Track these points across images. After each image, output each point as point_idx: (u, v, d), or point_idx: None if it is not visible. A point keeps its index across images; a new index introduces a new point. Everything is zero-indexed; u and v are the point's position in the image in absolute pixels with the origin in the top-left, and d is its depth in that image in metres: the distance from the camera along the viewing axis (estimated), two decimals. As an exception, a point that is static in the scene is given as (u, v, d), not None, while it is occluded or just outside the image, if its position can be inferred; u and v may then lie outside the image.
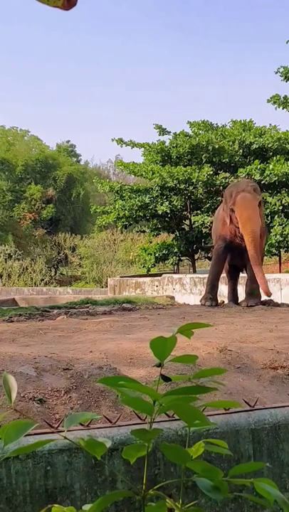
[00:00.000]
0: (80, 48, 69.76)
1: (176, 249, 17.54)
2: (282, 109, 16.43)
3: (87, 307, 6.87)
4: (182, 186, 16.51)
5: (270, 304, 7.35)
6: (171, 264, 19.19)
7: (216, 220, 7.97)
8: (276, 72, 15.91)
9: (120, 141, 18.20)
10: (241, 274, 8.56)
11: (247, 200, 7.07)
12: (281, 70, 15.83)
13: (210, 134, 17.57)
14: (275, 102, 16.41)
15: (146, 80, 71.41)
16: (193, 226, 17.69)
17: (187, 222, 18.19)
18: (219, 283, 7.80)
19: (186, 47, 71.29)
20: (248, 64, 76.33)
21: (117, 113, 70.01)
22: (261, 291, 7.14)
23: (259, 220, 7.05)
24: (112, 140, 18.22)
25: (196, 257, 18.71)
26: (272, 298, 7.51)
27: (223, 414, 1.99)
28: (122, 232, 25.70)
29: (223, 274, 8.23)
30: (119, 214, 17.59)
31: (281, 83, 16.12)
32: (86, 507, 1.16)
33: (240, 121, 18.57)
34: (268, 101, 16.51)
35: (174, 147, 17.50)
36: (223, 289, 9.17)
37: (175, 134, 18.36)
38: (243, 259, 7.46)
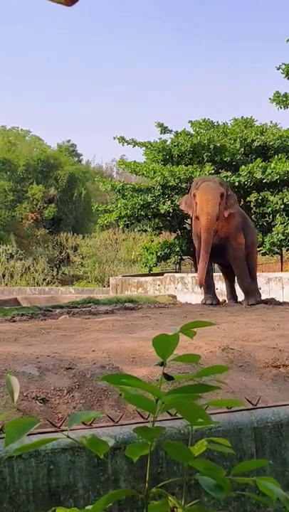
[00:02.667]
0: (81, 47, 69.74)
1: (177, 249, 17.53)
2: (284, 108, 16.40)
3: (90, 306, 6.86)
4: (184, 185, 16.49)
5: (271, 302, 7.36)
6: (173, 263, 19.18)
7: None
8: (278, 69, 15.87)
9: (122, 140, 18.18)
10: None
11: (208, 187, 7.19)
12: (283, 67, 15.79)
13: (212, 131, 17.55)
14: (275, 101, 16.38)
15: (147, 80, 71.33)
16: (195, 225, 17.67)
17: (189, 221, 18.17)
18: (220, 281, 7.81)
19: (186, 46, 71.22)
20: (248, 63, 76.22)
21: (118, 113, 69.93)
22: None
23: (216, 207, 7.04)
24: (114, 138, 18.22)
25: (197, 256, 18.69)
26: (274, 296, 7.50)
27: (226, 412, 1.99)
28: (123, 232, 25.71)
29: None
30: (120, 213, 17.60)
31: (282, 81, 16.07)
32: (89, 507, 1.17)
33: (243, 117, 18.56)
34: (271, 100, 16.46)
35: (175, 146, 17.50)
36: (225, 288, 9.16)
37: (176, 132, 18.35)
38: (224, 256, 7.49)
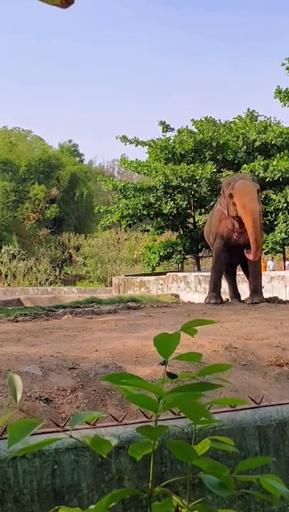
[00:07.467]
0: (82, 48, 69.92)
1: (180, 248, 17.52)
2: (287, 106, 16.36)
3: (92, 306, 6.87)
4: (186, 185, 16.48)
5: (274, 301, 7.36)
6: (176, 262, 19.18)
7: (213, 216, 7.96)
8: (282, 65, 15.84)
9: (124, 139, 18.18)
10: (238, 272, 8.65)
11: (246, 185, 7.14)
12: (287, 64, 15.75)
13: (216, 127, 17.48)
14: (277, 97, 16.34)
15: (149, 80, 71.51)
16: (197, 224, 17.68)
17: (191, 220, 18.17)
18: (223, 281, 7.81)
19: (187, 46, 71.32)
20: (249, 63, 76.33)
21: (120, 113, 70.10)
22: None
23: (258, 204, 7.04)
24: (116, 137, 18.23)
25: (200, 255, 18.70)
26: (277, 295, 7.49)
27: (229, 411, 1.98)
28: (126, 231, 25.72)
29: None
30: (122, 213, 17.60)
31: (286, 78, 16.09)
32: (93, 507, 1.16)
33: (249, 109, 18.50)
34: (275, 95, 16.40)
35: (178, 143, 17.47)
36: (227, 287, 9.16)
37: (179, 130, 18.33)
38: (240, 257, 7.46)
